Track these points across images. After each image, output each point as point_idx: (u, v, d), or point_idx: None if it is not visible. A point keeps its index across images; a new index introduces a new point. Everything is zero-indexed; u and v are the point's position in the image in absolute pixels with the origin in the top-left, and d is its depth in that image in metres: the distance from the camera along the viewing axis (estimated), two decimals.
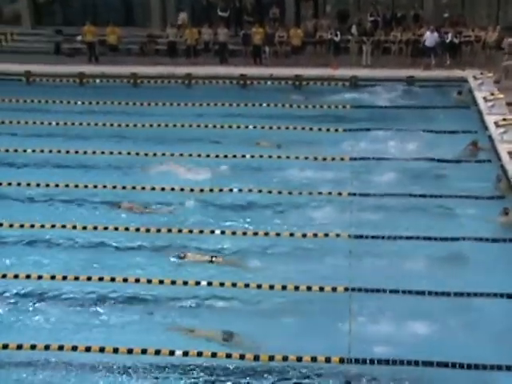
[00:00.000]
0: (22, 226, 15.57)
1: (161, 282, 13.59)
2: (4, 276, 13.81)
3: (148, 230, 15.43)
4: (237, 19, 28.25)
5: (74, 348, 11.85)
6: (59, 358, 11.72)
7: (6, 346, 11.93)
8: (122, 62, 26.42)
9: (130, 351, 11.77)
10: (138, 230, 15.44)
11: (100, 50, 26.88)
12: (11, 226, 15.60)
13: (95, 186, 17.39)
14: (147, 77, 25.15)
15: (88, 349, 11.84)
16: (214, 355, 11.68)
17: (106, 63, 26.34)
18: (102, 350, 11.84)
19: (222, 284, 13.54)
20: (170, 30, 27.20)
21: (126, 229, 15.46)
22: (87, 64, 26.34)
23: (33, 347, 11.91)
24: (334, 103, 22.84)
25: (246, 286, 13.47)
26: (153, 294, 13.35)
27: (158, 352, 11.75)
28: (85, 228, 15.51)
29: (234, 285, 13.50)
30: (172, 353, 11.74)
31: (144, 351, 11.77)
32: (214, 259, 14.26)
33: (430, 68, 25.04)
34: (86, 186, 17.42)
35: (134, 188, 17.33)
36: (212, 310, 13.01)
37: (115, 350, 11.80)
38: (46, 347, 11.89)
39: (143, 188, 17.34)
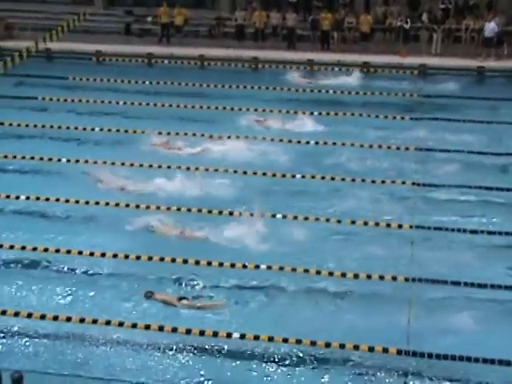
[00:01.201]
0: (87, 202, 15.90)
1: None
2: None
3: None
4: (305, 4, 28.10)
5: None
6: None
7: None
8: (191, 43, 26.64)
9: None
10: None
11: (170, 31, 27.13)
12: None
13: None
14: (214, 59, 25.30)
15: None
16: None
17: (175, 45, 26.60)
18: None
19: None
20: (238, 13, 27.27)
21: None
22: (156, 45, 26.63)
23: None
24: (402, 91, 22.59)
25: (306, 271, 13.50)
26: None
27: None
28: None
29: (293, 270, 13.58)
30: None
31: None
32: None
33: (491, 58, 24.49)
34: None
35: None
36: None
37: None
38: None
39: None
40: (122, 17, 28.70)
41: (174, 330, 11.92)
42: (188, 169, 17.32)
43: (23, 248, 14.10)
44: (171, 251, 13.96)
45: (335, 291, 13.14)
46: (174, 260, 13.80)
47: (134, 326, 12.00)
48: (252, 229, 14.48)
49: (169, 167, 17.41)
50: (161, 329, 11.97)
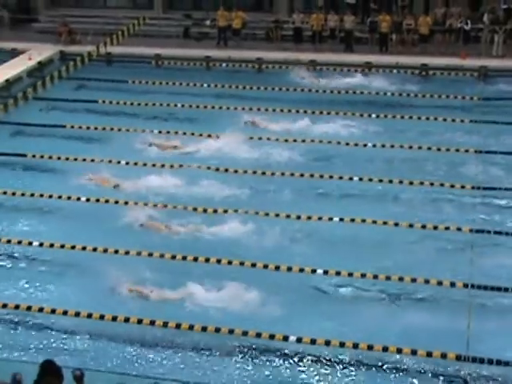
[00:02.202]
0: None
1: None
2: None
3: None
4: (364, 6, 27.95)
5: None
6: None
7: None
8: (248, 46, 26.78)
9: None
10: None
11: (227, 34, 27.32)
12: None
13: None
14: (272, 62, 25.37)
15: None
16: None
17: (232, 48, 26.78)
18: None
19: None
20: (296, 15, 27.29)
21: None
22: (214, 48, 26.84)
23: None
24: (462, 94, 22.25)
25: (363, 275, 13.40)
26: None
27: None
28: None
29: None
30: None
31: None
32: None
33: None
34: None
35: None
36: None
37: None
38: None
39: None
40: (181, 20, 29.01)
41: (231, 331, 11.96)
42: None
43: None
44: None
45: (392, 294, 13.03)
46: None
47: (191, 327, 12.02)
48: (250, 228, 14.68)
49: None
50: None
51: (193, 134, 19.81)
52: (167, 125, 20.55)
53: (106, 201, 16.16)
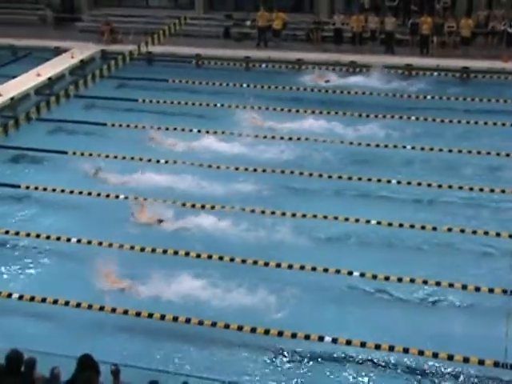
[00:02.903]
0: None
1: None
2: None
3: None
4: (405, 8, 27.75)
5: None
6: None
7: None
8: (288, 47, 26.80)
9: None
10: None
11: (267, 35, 27.37)
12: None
13: None
14: (312, 63, 25.33)
15: None
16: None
17: (272, 48, 26.80)
18: None
19: None
20: (336, 17, 27.22)
21: None
22: (254, 48, 26.90)
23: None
24: (503, 97, 21.97)
25: (399, 280, 13.30)
26: None
27: None
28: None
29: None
30: None
31: None
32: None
33: None
34: None
35: None
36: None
37: None
38: None
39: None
40: (222, 21, 29.14)
41: (267, 332, 11.99)
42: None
43: None
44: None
45: (428, 300, 12.96)
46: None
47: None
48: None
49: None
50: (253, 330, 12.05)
51: (232, 133, 19.92)
52: (206, 124, 20.65)
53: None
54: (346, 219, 15.33)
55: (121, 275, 13.35)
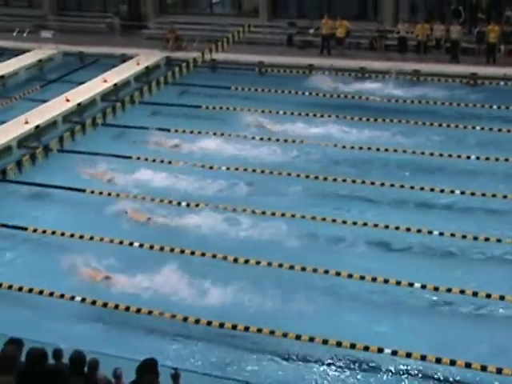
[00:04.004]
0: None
1: None
2: None
3: None
4: (471, 16, 27.36)
5: None
6: None
7: None
8: (352, 55, 26.72)
9: None
10: None
11: (331, 43, 27.35)
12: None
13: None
14: (375, 71, 25.16)
15: None
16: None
17: (336, 56, 26.76)
18: None
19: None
20: (401, 25, 27.00)
21: None
22: (317, 56, 26.89)
23: None
24: None
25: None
26: None
27: None
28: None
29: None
30: None
31: None
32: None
33: None
34: None
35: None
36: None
37: None
38: None
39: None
40: (285, 28, 29.24)
41: (325, 341, 11.92)
42: None
43: None
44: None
45: (478, 311, 12.81)
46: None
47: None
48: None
49: None
50: (312, 339, 12.01)
51: (293, 141, 19.97)
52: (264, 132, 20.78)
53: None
54: (408, 229, 15.18)
55: (104, 268, 13.83)
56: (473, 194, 16.63)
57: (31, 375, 7.58)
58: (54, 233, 15.53)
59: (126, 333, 12.44)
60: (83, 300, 13.11)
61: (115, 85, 24.55)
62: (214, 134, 20.51)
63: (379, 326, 12.41)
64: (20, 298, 13.43)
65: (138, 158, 19.13)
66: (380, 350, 11.63)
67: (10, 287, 13.62)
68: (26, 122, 20.91)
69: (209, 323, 12.42)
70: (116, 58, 27.32)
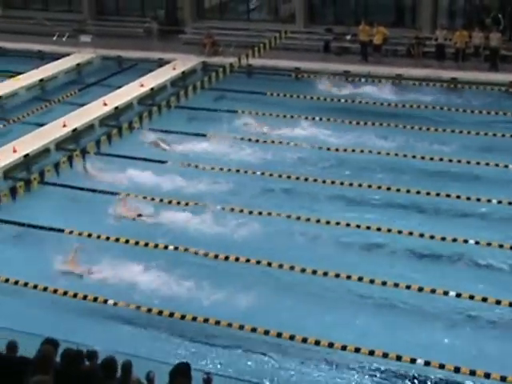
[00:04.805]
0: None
1: None
2: None
3: None
4: (511, 23, 27.04)
5: None
6: None
7: None
8: (389, 62, 26.58)
9: None
10: None
11: (368, 49, 27.23)
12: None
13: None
14: (412, 79, 25.04)
15: None
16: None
17: (373, 63, 26.65)
18: None
19: None
20: (439, 32, 26.78)
21: None
22: (353, 63, 26.80)
23: None
24: None
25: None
26: None
27: None
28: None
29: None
30: None
31: None
32: None
33: None
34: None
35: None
36: None
37: None
38: None
39: None
40: (322, 35, 29.18)
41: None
42: None
43: None
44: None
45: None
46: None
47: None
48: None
49: None
50: (344, 348, 11.99)
51: (329, 149, 19.95)
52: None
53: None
54: (443, 238, 15.07)
55: (87, 262, 14.35)
56: (510, 203, 16.45)
57: (66, 376, 7.65)
58: (90, 236, 15.73)
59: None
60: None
61: (152, 89, 24.74)
62: (249, 139, 20.56)
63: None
64: None
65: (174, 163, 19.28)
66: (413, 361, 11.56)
67: None
68: (64, 125, 21.19)
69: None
70: (153, 62, 27.55)
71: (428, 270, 14.25)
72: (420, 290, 13.33)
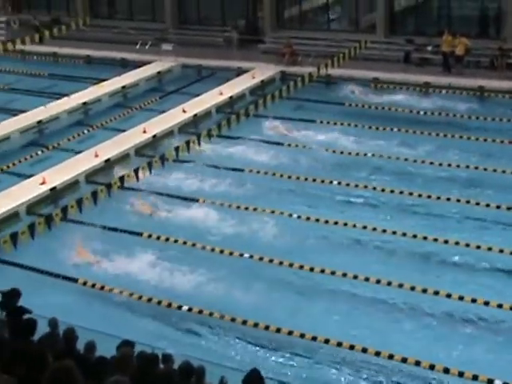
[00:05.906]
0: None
1: None
2: None
3: None
4: None
5: None
6: None
7: None
8: (471, 74, 26.07)
9: None
10: None
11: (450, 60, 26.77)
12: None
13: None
14: (495, 91, 24.50)
15: None
16: None
17: (454, 75, 26.16)
18: None
19: None
20: None
21: None
22: (433, 74, 26.35)
23: None
24: None
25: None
26: None
27: None
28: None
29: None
30: None
31: None
32: None
33: None
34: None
35: None
36: None
37: None
38: None
39: None
40: (403, 45, 28.86)
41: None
42: None
43: None
44: None
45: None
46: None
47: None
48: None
49: None
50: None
51: (415, 161, 19.84)
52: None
53: None
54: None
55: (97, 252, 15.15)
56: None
57: (142, 378, 7.78)
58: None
59: None
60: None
61: (231, 97, 24.99)
62: (326, 150, 20.54)
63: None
64: None
65: (251, 171, 19.44)
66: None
67: None
68: (144, 132, 21.62)
69: None
70: (232, 71, 27.81)
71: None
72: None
